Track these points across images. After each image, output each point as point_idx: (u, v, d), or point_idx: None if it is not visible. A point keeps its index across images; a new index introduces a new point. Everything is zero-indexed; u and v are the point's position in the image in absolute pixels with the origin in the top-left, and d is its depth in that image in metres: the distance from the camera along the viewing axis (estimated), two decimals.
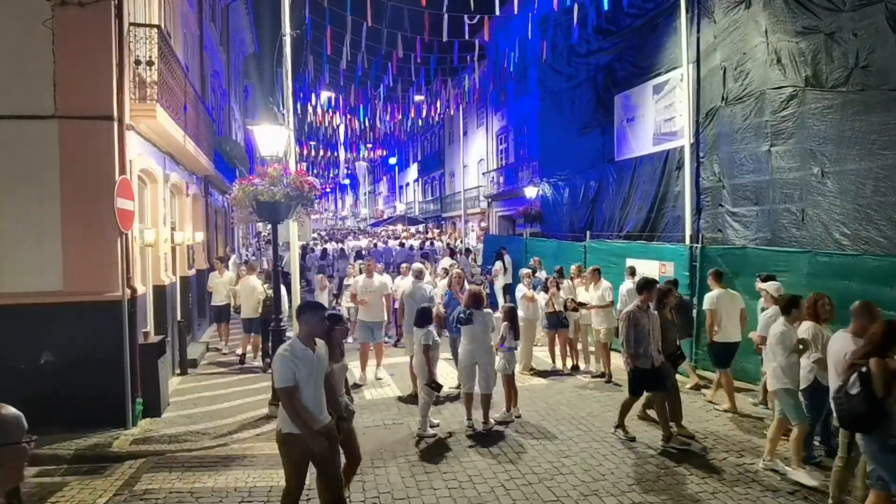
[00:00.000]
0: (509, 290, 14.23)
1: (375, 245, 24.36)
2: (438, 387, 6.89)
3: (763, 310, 7.74)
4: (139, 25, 8.27)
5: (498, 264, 15.19)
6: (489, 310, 7.46)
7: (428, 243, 25.13)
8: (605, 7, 13.28)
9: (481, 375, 7.27)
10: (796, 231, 10.29)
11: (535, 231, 20.29)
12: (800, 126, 10.28)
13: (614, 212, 15.55)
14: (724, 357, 8.16)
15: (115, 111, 7.32)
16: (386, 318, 10.29)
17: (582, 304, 10.19)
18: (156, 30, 8.35)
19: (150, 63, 8.15)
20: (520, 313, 9.50)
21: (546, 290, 10.25)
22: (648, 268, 10.54)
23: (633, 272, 10.08)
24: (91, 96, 7.23)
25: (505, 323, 7.60)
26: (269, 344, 9.64)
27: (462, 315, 7.25)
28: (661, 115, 14.07)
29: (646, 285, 6.92)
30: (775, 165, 10.76)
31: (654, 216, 13.95)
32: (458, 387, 8.15)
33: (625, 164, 15.41)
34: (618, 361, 8.62)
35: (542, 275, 11.43)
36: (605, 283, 9.96)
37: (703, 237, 10.87)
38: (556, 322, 10.08)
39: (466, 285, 10.28)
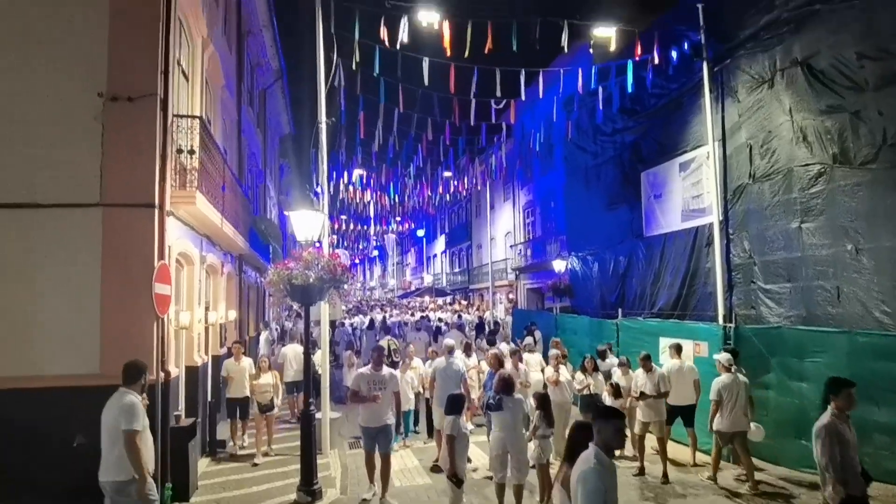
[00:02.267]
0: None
1: (406, 323, 24.21)
2: (460, 482, 6.59)
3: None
4: (182, 117, 8.71)
5: (528, 340, 14.92)
6: (520, 395, 7.26)
7: (456, 316, 24.99)
8: (630, 89, 13.58)
9: (513, 464, 6.99)
10: (832, 309, 9.97)
11: (565, 305, 20.06)
12: (830, 203, 10.16)
13: (645, 287, 15.34)
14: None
15: (157, 199, 7.59)
16: (394, 420, 8.04)
17: (644, 396, 9.11)
18: (198, 120, 8.78)
19: (191, 152, 8.52)
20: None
21: (584, 370, 9.97)
22: (683, 347, 10.25)
23: (679, 350, 9.63)
24: (135, 185, 7.53)
25: (538, 411, 7.37)
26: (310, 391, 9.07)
27: (491, 401, 7.06)
28: (689, 192, 14.07)
29: (843, 384, 5.20)
30: (807, 242, 10.57)
31: (685, 292, 13.70)
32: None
33: (654, 240, 15.32)
34: (678, 453, 8.24)
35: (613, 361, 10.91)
36: (659, 371, 9.25)
37: (736, 315, 10.60)
38: (591, 405, 9.72)
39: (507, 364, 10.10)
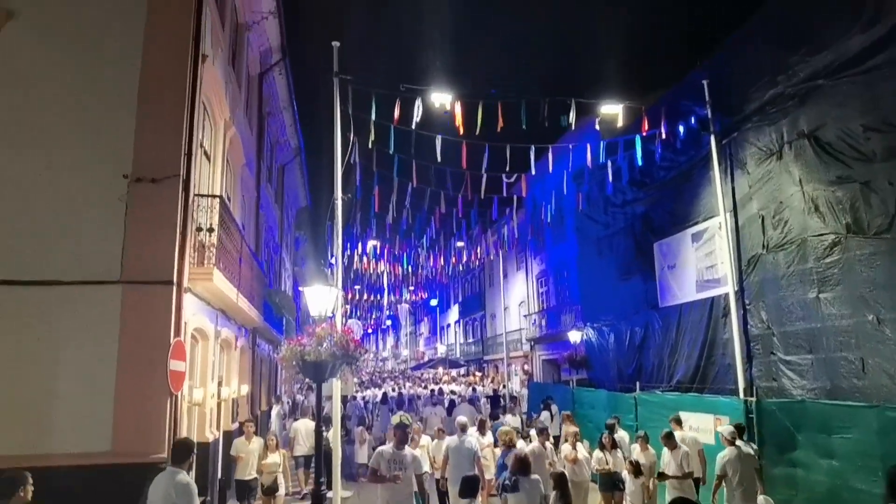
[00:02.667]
0: (556, 442, 13.50)
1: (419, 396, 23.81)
2: None
3: None
4: (203, 196, 8.98)
5: (545, 415, 14.59)
6: (537, 476, 7.04)
7: (471, 389, 24.56)
8: (639, 163, 13.85)
9: None
10: (857, 381, 9.70)
11: (582, 378, 19.68)
12: (847, 272, 10.08)
13: (663, 359, 15.06)
14: None
15: (175, 276, 7.73)
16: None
17: (664, 476, 8.83)
18: (218, 199, 9.05)
19: (210, 230, 8.75)
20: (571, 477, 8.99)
21: (602, 447, 9.67)
22: (703, 422, 9.97)
23: (679, 422, 9.69)
24: (154, 262, 7.68)
25: (555, 492, 7.12)
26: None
27: (507, 482, 6.85)
28: (703, 263, 14.05)
29: None
30: (826, 312, 10.41)
31: (703, 364, 13.43)
32: None
33: (670, 311, 15.17)
34: None
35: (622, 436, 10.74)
36: (683, 449, 8.93)
37: (757, 388, 10.34)
38: (611, 484, 9.38)
39: (520, 443, 9.84)
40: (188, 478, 5.72)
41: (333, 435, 10.30)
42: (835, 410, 8.44)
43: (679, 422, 10.04)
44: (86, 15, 8.09)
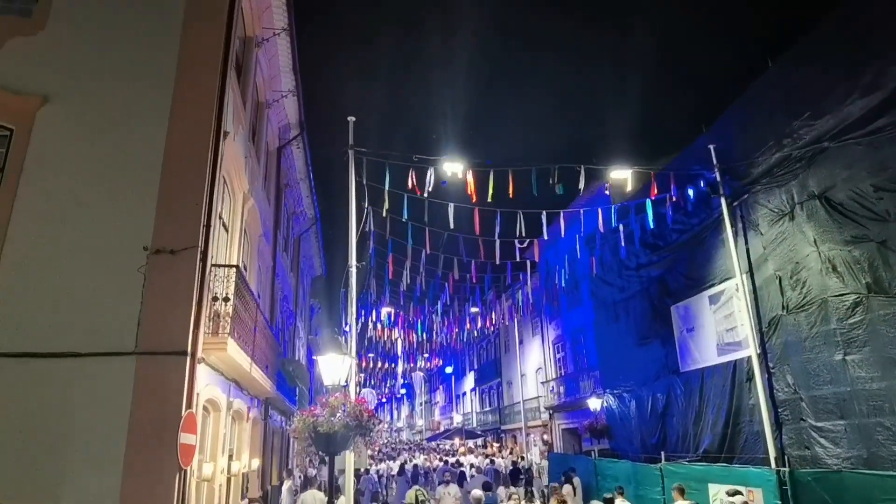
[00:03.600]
0: None
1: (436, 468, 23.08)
2: None
3: None
4: (220, 266, 9.06)
5: (567, 488, 13.96)
6: None
7: (488, 461, 23.75)
8: (650, 226, 13.87)
9: None
10: None
11: (604, 448, 18.99)
12: (873, 333, 9.81)
13: (687, 427, 14.53)
14: None
15: (190, 346, 7.67)
16: None
17: None
18: (234, 269, 9.11)
19: (226, 299, 8.76)
20: None
21: None
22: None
23: (682, 491, 9.55)
24: (169, 333, 7.63)
25: None
26: None
27: None
28: (722, 325, 13.79)
29: None
30: (854, 375, 10.06)
31: (730, 432, 12.92)
32: None
33: (691, 376, 14.77)
34: None
35: None
36: None
37: (788, 457, 9.87)
38: None
39: None
40: None
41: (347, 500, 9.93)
42: (876, 481, 8.01)
43: (682, 491, 10.03)
44: (115, 97, 8.46)
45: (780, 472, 9.15)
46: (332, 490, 7.91)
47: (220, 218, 9.91)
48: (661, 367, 16.17)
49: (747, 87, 13.19)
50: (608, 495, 11.04)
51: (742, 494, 8.93)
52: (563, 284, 18.45)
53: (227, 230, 10.73)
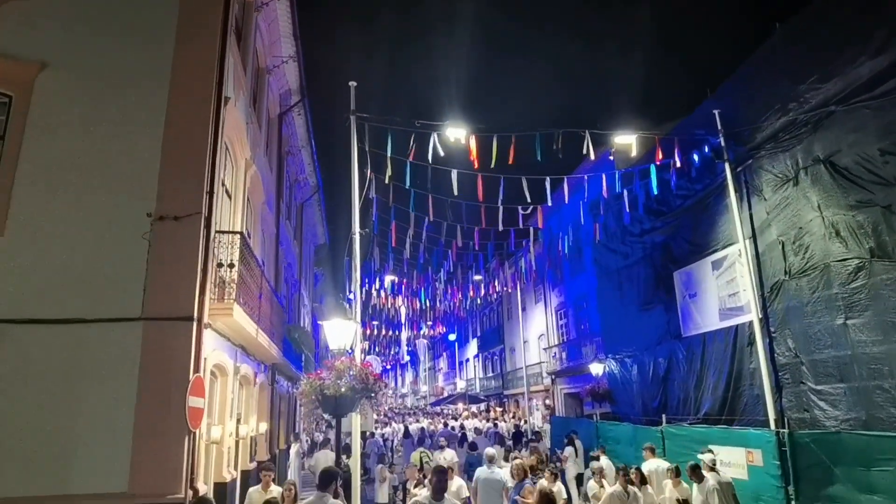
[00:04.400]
0: (582, 480, 13.11)
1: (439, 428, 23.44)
2: None
3: None
4: (224, 233, 9.06)
5: (569, 450, 14.20)
6: None
7: (492, 425, 24.12)
8: (654, 192, 13.78)
9: None
10: (895, 410, 9.32)
11: (606, 412, 19.25)
12: (874, 298, 9.81)
13: (688, 391, 14.70)
14: None
15: (196, 312, 7.72)
16: None
17: None
18: (238, 236, 9.12)
19: (231, 265, 8.79)
20: None
21: (629, 483, 9.35)
22: (733, 455, 9.62)
23: (653, 451, 10.22)
24: (175, 299, 7.68)
25: None
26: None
27: None
28: (724, 291, 13.81)
29: None
30: (855, 339, 10.11)
31: (731, 395, 13.06)
32: None
33: (693, 341, 14.87)
34: None
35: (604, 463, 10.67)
36: (710, 482, 8.70)
37: (788, 419, 9.99)
38: None
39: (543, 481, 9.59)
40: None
41: (353, 473, 10.12)
42: (873, 442, 8.11)
43: (653, 450, 10.80)
44: (114, 62, 8.33)
45: (779, 434, 9.27)
46: (340, 450, 8.05)
47: (223, 185, 9.88)
48: (663, 332, 16.27)
49: (753, 50, 12.95)
50: (593, 454, 11.44)
51: (712, 453, 9.38)
52: (567, 251, 18.45)
53: (230, 197, 10.71)
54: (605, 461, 11.02)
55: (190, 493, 7.20)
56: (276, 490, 8.56)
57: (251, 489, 8.87)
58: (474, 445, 15.77)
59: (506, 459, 11.50)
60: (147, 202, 7.94)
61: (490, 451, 10.04)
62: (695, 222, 15.00)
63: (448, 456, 12.05)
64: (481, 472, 9.32)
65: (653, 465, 10.48)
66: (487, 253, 19.78)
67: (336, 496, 6.09)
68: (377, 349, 54.37)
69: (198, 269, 7.93)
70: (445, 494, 6.04)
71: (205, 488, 8.08)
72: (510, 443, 19.45)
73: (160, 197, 8.01)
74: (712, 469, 8.89)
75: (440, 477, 6.07)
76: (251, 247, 10.72)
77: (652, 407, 16.14)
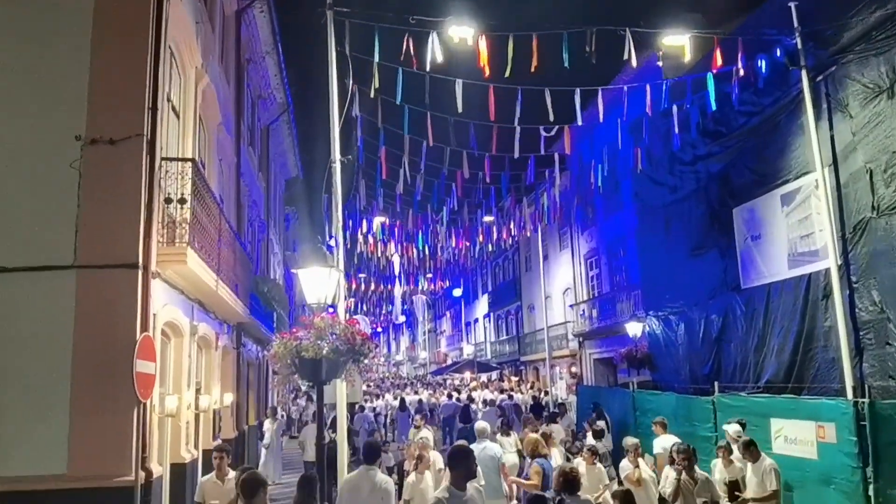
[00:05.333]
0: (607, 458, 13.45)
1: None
2: None
3: None
4: (172, 160, 9.02)
5: (601, 425, 14.52)
6: (588, 497, 6.99)
7: (505, 396, 24.65)
8: (712, 107, 13.57)
9: None
10: None
11: (645, 380, 19.57)
12: None
13: (747, 354, 14.88)
14: None
15: (141, 258, 7.79)
16: None
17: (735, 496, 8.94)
18: (190, 164, 9.09)
19: (181, 201, 8.79)
20: None
21: (673, 462, 9.60)
22: (801, 431, 9.82)
23: (664, 426, 10.80)
24: (115, 242, 7.76)
25: None
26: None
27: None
28: (795, 231, 13.79)
29: None
30: None
31: (799, 359, 13.23)
32: None
33: (755, 293, 14.95)
34: None
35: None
36: (767, 461, 8.88)
37: (869, 388, 10.14)
38: None
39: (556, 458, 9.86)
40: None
41: (339, 453, 10.39)
42: None
43: (664, 426, 11.23)
44: None
45: (857, 404, 9.39)
46: (322, 424, 8.23)
47: (169, 100, 9.78)
48: (717, 283, 16.35)
49: None
50: (658, 419, 11.89)
51: (738, 425, 9.80)
52: (600, 184, 18.34)
53: (178, 116, 10.63)
54: (666, 439, 11.22)
55: (142, 475, 7.43)
56: (232, 476, 8.03)
57: (203, 479, 8.51)
58: (467, 417, 16.18)
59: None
60: (75, 123, 7.88)
61: (481, 424, 10.39)
62: (761, 146, 14.84)
63: (424, 436, 12.42)
64: (474, 447, 9.63)
65: (665, 442, 10.75)
66: (501, 187, 19.68)
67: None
68: (365, 308, 55.02)
69: (141, 204, 7.97)
70: (470, 485, 5.62)
71: (159, 470, 8.31)
72: (530, 415, 19.92)
73: (91, 116, 7.97)
74: (736, 441, 9.26)
75: (465, 461, 5.62)
76: (206, 178, 10.70)
77: (702, 374, 16.34)
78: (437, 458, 10.10)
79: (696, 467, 8.91)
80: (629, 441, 10.26)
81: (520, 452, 11.76)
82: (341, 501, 6.95)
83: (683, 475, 8.45)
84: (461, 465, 5.57)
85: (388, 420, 24.71)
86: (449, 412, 20.10)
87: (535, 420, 13.93)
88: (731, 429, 9.83)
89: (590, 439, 12.66)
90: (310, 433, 12.77)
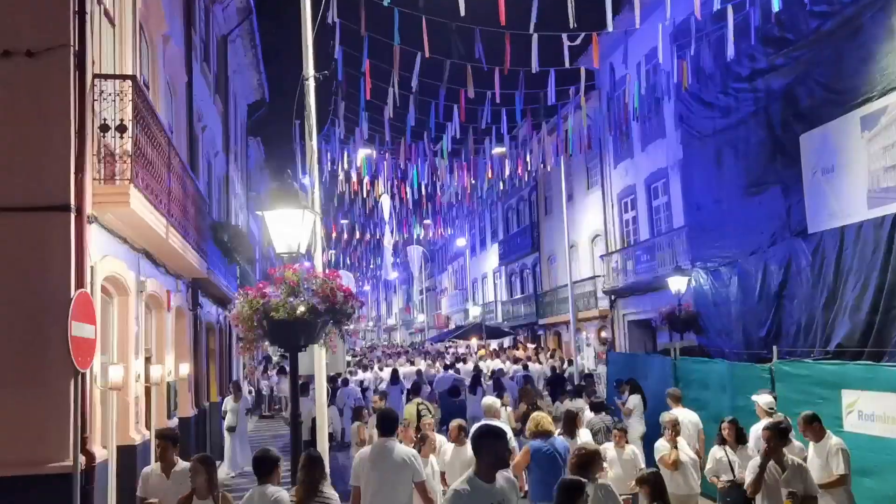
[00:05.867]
0: (646, 440, 13.67)
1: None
2: None
3: None
4: (107, 77, 8.92)
5: (634, 399, 14.70)
6: (607, 481, 7.11)
7: (520, 367, 24.87)
8: (776, 6, 13.37)
9: None
10: None
11: (689, 345, 19.73)
12: None
13: (814, 313, 14.97)
14: None
15: (73, 198, 7.78)
16: None
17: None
18: (129, 82, 8.99)
19: (121, 129, 8.70)
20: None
21: (722, 441, 9.74)
22: (881, 404, 9.91)
23: (677, 399, 11.33)
24: (40, 179, 7.74)
25: None
26: None
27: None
28: (879, 162, 13.72)
29: None
30: None
31: (879, 319, 13.30)
32: None
33: (825, 238, 14.96)
34: None
35: None
36: (833, 440, 8.96)
37: None
38: (740, 500, 9.42)
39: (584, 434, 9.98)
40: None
41: (319, 435, 10.53)
42: None
43: (677, 398, 11.91)
44: None
45: None
46: (297, 397, 8.32)
47: (101, 3, 9.64)
48: (779, 226, 16.33)
49: None
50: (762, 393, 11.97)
51: (770, 396, 10.26)
52: (637, 106, 18.23)
53: (112, 24, 10.50)
54: (679, 413, 11.44)
55: (82, 459, 7.54)
56: (181, 470, 7.62)
57: (146, 470, 8.10)
58: (456, 391, 16.37)
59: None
60: None
61: (489, 400, 10.63)
62: (837, 57, 14.67)
63: (488, 401, 12.53)
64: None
65: (679, 416, 10.94)
66: (514, 110, 19.53)
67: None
68: (349, 261, 55.25)
69: (71, 132, 7.93)
70: (501, 475, 5.47)
71: (103, 454, 8.45)
72: (546, 391, 20.15)
73: (2, 21, 7.87)
74: (769, 414, 9.57)
75: (490, 443, 5.45)
76: (151, 101, 10.62)
77: (758, 337, 16.45)
78: (442, 442, 10.23)
79: (787, 449, 8.74)
80: (667, 416, 10.41)
81: (514, 431, 11.86)
82: (358, 481, 7.21)
83: (770, 461, 8.15)
84: (488, 449, 5.37)
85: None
86: (444, 387, 20.24)
87: (532, 392, 14.05)
88: (762, 400, 10.05)
89: (587, 413, 12.77)
90: (303, 409, 12.94)
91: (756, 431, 9.59)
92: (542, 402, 15.12)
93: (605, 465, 8.61)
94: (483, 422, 8.96)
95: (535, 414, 9.87)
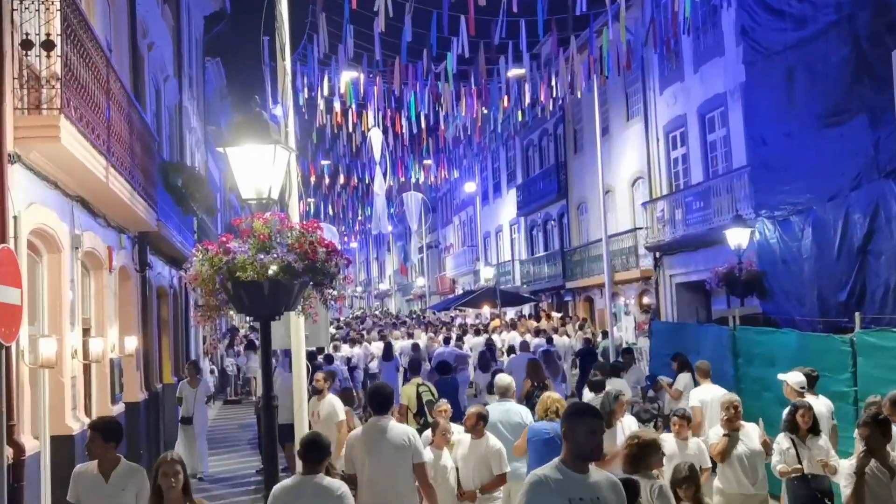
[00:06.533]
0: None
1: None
2: None
3: None
4: None
5: (683, 378, 14.79)
6: (662, 480, 7.20)
7: (543, 341, 25.01)
8: None
9: None
10: None
11: (751, 312, 19.80)
12: None
13: None
14: None
15: None
16: None
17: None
18: None
19: (47, 45, 8.69)
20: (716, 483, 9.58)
21: (792, 428, 9.76)
22: None
23: (707, 373, 11.92)
24: None
25: None
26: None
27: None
28: None
29: None
30: None
31: None
32: None
33: None
34: None
35: None
36: None
37: None
38: (813, 500, 9.53)
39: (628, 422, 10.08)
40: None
41: (297, 420, 10.64)
42: None
43: (706, 373, 12.38)
44: None
45: None
46: (269, 383, 8.38)
47: None
48: (864, 165, 16.28)
49: None
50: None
51: (802, 375, 10.37)
52: (688, 16, 18.11)
53: None
54: (707, 390, 11.91)
55: (9, 451, 7.66)
56: (129, 468, 7.77)
57: (77, 470, 7.86)
58: (445, 368, 16.50)
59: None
60: None
61: (504, 380, 10.85)
62: None
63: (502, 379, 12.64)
64: (494, 409, 10.12)
65: (706, 394, 11.51)
66: (535, 22, 19.43)
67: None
68: (331, 211, 55.23)
69: None
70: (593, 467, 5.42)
71: (35, 444, 8.57)
72: (569, 370, 20.24)
73: None
74: (800, 395, 9.82)
75: (578, 422, 5.29)
76: (84, 12, 10.57)
77: (836, 302, 16.49)
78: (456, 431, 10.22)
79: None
80: (725, 398, 10.48)
81: None
82: (352, 468, 7.51)
83: (872, 461, 7.86)
84: (576, 430, 5.20)
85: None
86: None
87: (542, 368, 14.18)
88: (793, 379, 10.21)
89: (586, 394, 12.88)
90: (283, 388, 13.04)
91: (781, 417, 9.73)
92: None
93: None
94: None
95: (545, 395, 10.03)
